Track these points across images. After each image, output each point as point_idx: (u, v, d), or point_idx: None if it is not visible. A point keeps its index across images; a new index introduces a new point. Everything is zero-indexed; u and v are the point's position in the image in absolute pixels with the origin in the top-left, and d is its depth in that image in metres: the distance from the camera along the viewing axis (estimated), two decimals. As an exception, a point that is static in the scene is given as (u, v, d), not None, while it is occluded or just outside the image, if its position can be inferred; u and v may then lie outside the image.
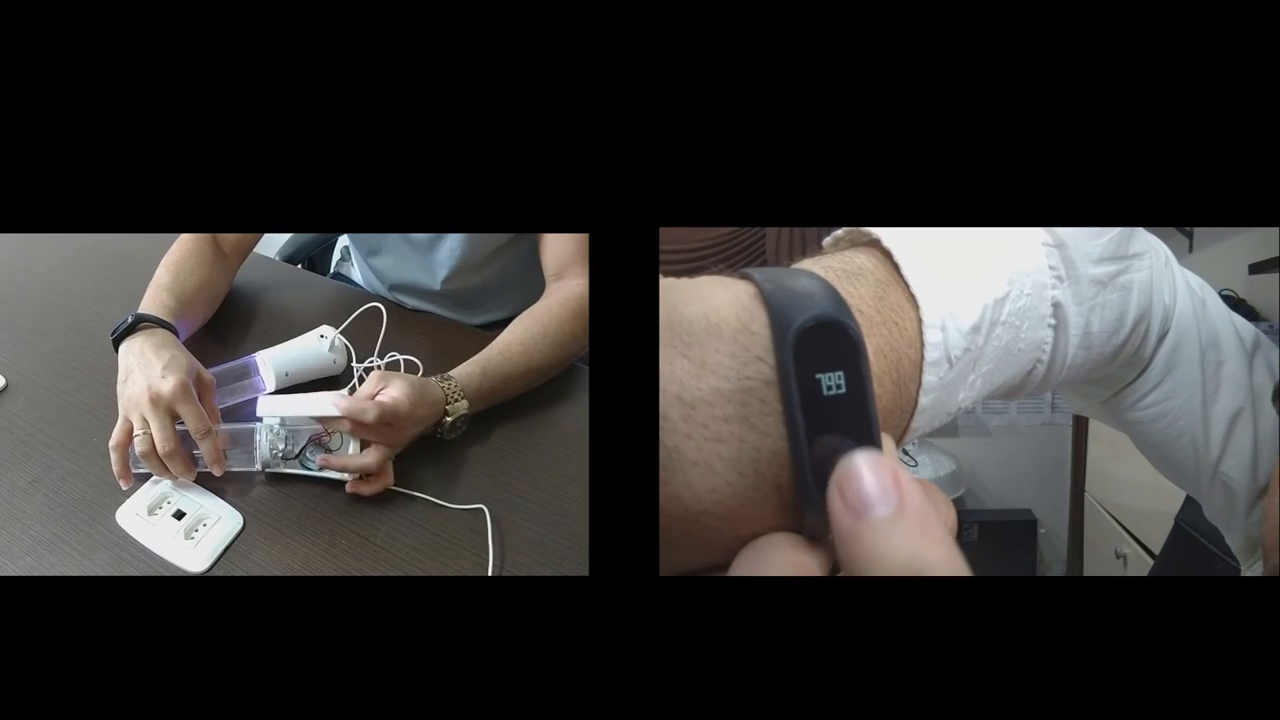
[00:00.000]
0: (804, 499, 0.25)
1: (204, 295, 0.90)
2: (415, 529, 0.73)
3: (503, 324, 1.14)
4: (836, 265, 0.32)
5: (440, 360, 0.92)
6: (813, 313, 0.26)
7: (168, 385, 0.71)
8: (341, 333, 0.90)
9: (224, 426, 0.76)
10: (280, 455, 0.75)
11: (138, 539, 0.71)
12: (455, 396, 0.80)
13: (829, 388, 0.25)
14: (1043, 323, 0.35)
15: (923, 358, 0.31)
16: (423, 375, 0.86)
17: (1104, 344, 0.38)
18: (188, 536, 0.71)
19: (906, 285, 0.31)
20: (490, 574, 0.70)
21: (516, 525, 0.75)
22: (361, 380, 0.87)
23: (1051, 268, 0.35)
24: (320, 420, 0.76)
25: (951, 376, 0.32)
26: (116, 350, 0.77)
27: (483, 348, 0.94)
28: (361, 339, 0.93)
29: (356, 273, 1.22)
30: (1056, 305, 0.35)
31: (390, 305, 0.97)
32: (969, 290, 0.32)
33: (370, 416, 0.73)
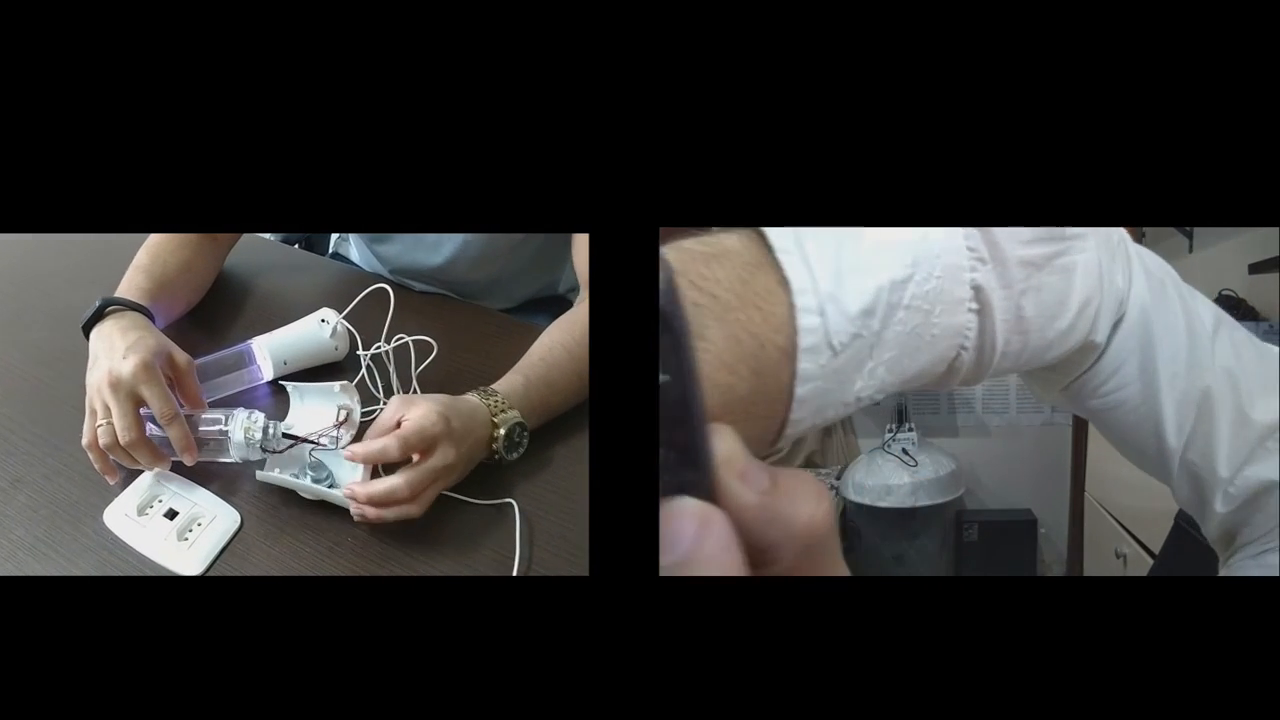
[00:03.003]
0: None
1: (186, 278, 0.85)
2: (426, 525, 0.67)
3: (512, 312, 1.07)
4: (698, 246, 0.30)
5: (455, 343, 0.84)
6: None
7: (127, 366, 0.66)
8: (344, 317, 0.84)
9: (205, 413, 0.70)
10: (259, 445, 0.68)
11: (127, 541, 0.67)
12: (501, 406, 0.71)
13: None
14: (961, 307, 0.33)
15: (795, 345, 0.29)
16: (437, 355, 0.80)
17: (1044, 329, 0.37)
18: (180, 538, 0.66)
19: (780, 267, 0.30)
20: (516, 571, 0.66)
21: (538, 519, 0.70)
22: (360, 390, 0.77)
23: (971, 249, 0.33)
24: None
25: (839, 364, 0.30)
26: (89, 340, 0.73)
27: (501, 331, 0.87)
28: (365, 324, 0.84)
29: (355, 253, 1.14)
30: (978, 289, 0.33)
31: (396, 287, 0.89)
32: (859, 272, 0.31)
33: (394, 453, 0.64)
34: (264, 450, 0.69)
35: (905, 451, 2.20)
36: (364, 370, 0.82)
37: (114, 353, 0.68)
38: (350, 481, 0.67)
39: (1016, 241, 0.34)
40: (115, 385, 0.66)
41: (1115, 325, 0.41)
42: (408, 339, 0.81)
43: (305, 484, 0.69)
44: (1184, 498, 0.48)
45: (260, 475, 0.69)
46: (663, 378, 0.23)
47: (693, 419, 0.24)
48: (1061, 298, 0.37)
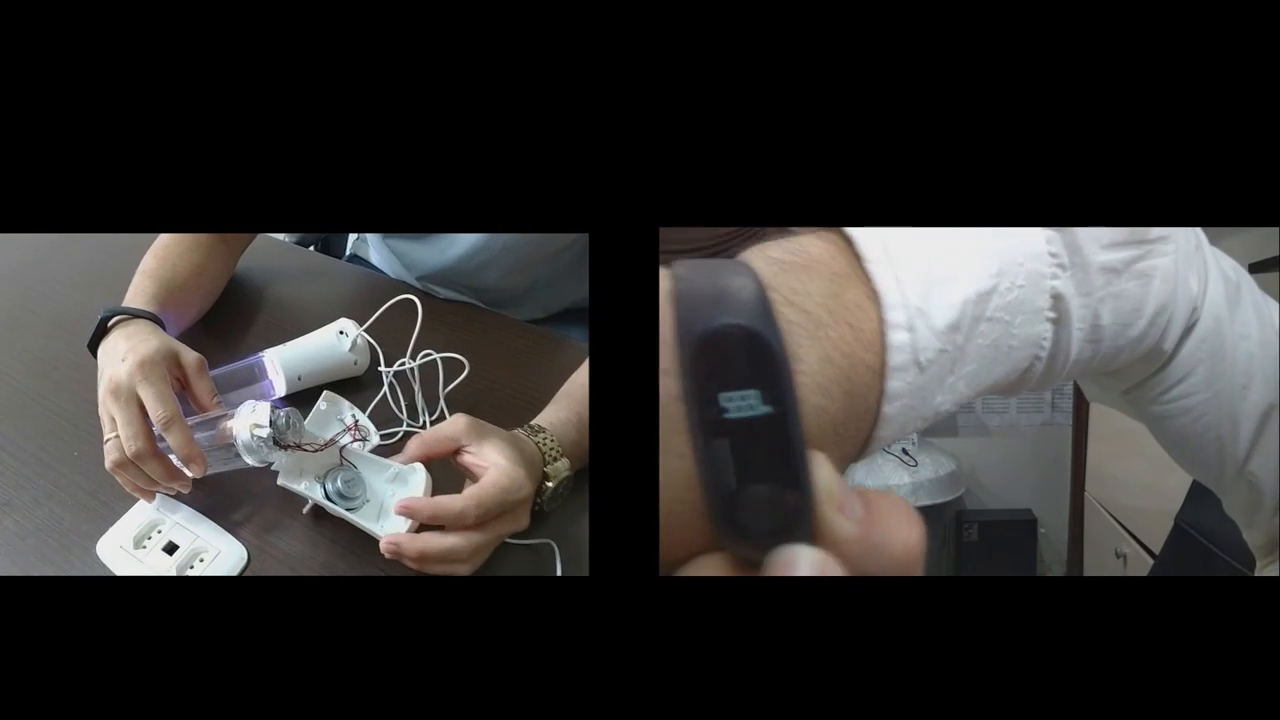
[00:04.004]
0: (716, 534, 0.22)
1: (198, 282, 0.79)
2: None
3: (544, 323, 0.99)
4: (785, 255, 0.28)
5: (485, 358, 0.76)
6: (720, 320, 0.22)
7: (125, 367, 0.59)
8: (366, 329, 0.77)
9: (208, 415, 0.62)
10: (270, 440, 0.58)
11: (121, 577, 0.60)
12: (554, 454, 0.63)
13: (739, 408, 0.22)
14: (1040, 316, 0.32)
15: (885, 363, 0.27)
16: (473, 374, 0.73)
17: (1116, 337, 0.35)
18: (180, 575, 0.61)
19: (869, 279, 0.28)
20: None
21: (579, 558, 0.64)
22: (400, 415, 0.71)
23: (1053, 255, 0.32)
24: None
25: (923, 381, 0.29)
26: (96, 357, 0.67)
27: (534, 346, 0.79)
28: (387, 335, 0.77)
29: (374, 255, 1.06)
30: (1057, 297, 0.32)
31: (421, 296, 0.79)
32: (946, 284, 0.29)
33: (470, 522, 0.55)
34: (279, 445, 0.58)
35: (905, 451, 2.20)
36: (386, 388, 0.75)
37: (115, 359, 0.63)
38: (394, 532, 0.57)
39: (1098, 245, 0.32)
40: (115, 391, 0.60)
41: (1186, 332, 0.39)
42: (435, 356, 0.74)
43: (334, 506, 0.59)
44: (1236, 507, 0.46)
45: (281, 481, 0.59)
46: (765, 409, 0.22)
47: (795, 450, 0.22)
48: (1137, 305, 0.34)
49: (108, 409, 0.61)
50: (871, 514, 0.23)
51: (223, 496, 0.66)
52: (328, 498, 0.59)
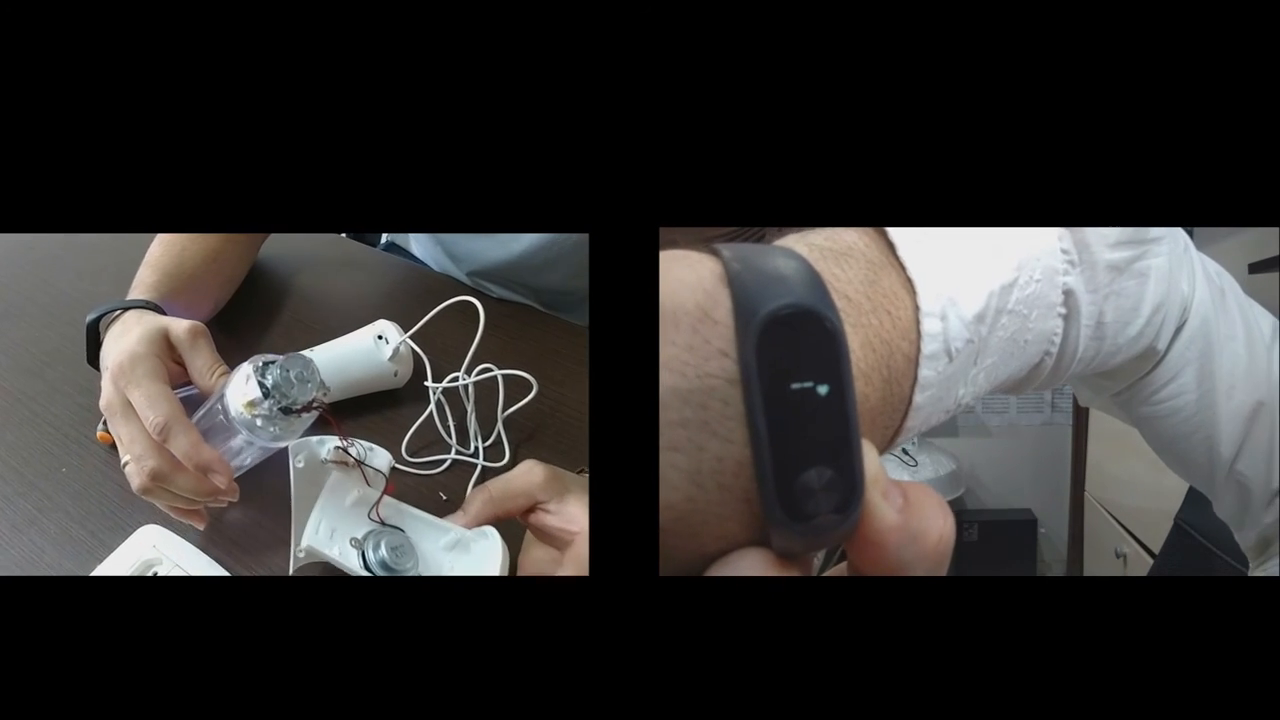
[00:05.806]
0: (768, 519, 0.22)
1: (212, 269, 0.69)
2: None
3: None
4: (823, 242, 0.28)
5: (548, 372, 0.64)
6: (784, 300, 0.22)
7: (108, 376, 0.51)
8: (410, 335, 0.65)
9: (212, 403, 0.50)
10: (277, 410, 0.45)
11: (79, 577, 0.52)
12: None
13: (800, 389, 0.22)
14: (1053, 311, 0.32)
15: (919, 350, 0.28)
16: (536, 394, 0.61)
17: (1116, 335, 0.35)
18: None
19: (902, 267, 0.28)
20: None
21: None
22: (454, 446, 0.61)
23: (1064, 251, 0.32)
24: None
25: (951, 371, 0.29)
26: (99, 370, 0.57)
27: None
28: (433, 340, 0.65)
29: (415, 244, 0.93)
30: (1068, 293, 0.32)
31: (475, 296, 0.66)
32: (973, 274, 0.29)
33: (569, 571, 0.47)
34: (289, 412, 0.46)
35: (905, 451, 2.20)
36: (432, 407, 0.64)
37: (103, 369, 0.53)
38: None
39: (1105, 244, 0.33)
40: (109, 408, 0.51)
41: (1176, 332, 0.40)
42: (497, 372, 0.62)
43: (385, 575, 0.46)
44: (1226, 508, 0.47)
45: (306, 543, 0.46)
46: (821, 389, 0.21)
47: (852, 434, 0.22)
48: (1136, 303, 0.35)
49: (112, 429, 0.52)
50: (909, 503, 0.23)
51: (240, 526, 0.56)
52: (367, 568, 0.48)
